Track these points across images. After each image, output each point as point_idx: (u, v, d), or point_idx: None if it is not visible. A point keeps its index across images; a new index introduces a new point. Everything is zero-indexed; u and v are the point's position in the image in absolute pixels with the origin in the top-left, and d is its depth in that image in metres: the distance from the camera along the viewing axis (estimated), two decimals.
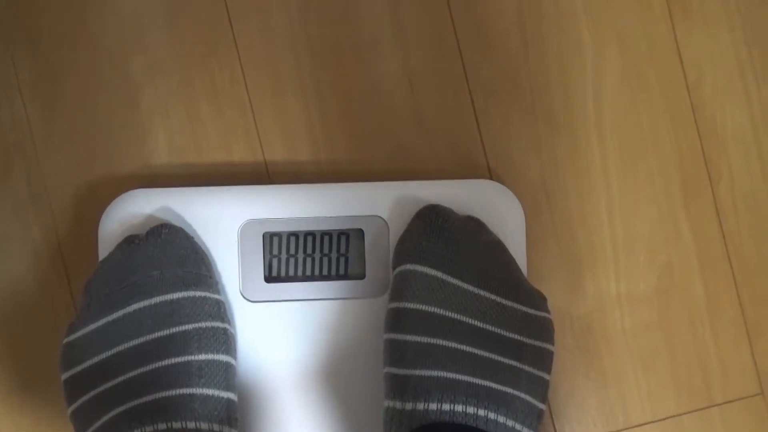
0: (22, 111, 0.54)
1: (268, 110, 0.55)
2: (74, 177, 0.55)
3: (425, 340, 0.47)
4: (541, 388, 0.49)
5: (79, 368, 0.46)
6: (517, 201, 0.53)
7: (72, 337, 0.47)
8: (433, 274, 0.49)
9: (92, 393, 0.45)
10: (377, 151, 0.55)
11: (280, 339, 0.52)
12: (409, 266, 0.49)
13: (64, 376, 0.47)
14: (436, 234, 0.49)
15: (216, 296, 0.49)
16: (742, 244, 0.56)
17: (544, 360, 0.50)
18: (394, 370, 0.47)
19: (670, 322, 0.56)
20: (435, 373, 0.46)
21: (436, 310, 0.48)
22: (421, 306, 0.48)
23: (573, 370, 0.56)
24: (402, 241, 0.51)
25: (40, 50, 0.54)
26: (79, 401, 0.45)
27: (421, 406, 0.45)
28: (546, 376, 0.49)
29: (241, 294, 0.52)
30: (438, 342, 0.47)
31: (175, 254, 0.48)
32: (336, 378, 0.52)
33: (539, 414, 0.48)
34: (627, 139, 0.56)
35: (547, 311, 0.51)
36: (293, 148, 0.55)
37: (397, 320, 0.48)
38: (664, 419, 0.56)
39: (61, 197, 0.54)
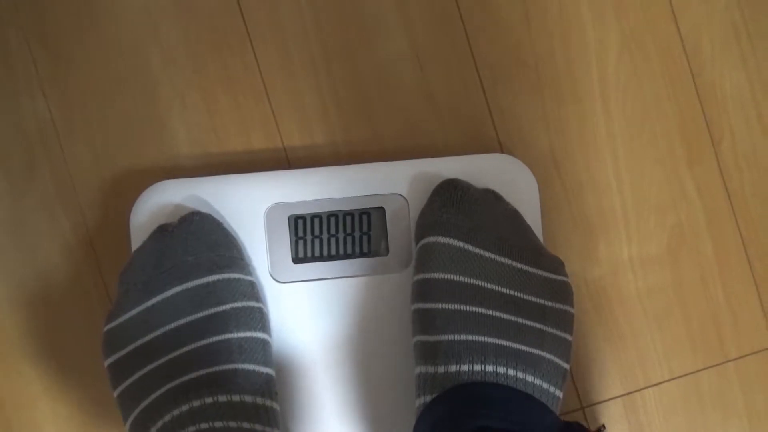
0: (45, 107, 0.56)
1: (282, 96, 0.57)
2: (98, 171, 0.56)
3: (452, 307, 0.49)
4: (565, 349, 0.51)
5: (122, 353, 0.48)
6: (530, 171, 0.55)
7: (113, 324, 0.49)
8: (455, 244, 0.50)
9: (137, 374, 0.47)
10: (389, 129, 0.57)
11: (309, 317, 0.54)
12: (431, 238, 0.51)
13: (108, 361, 0.48)
14: (456, 206, 0.51)
15: (249, 277, 0.50)
16: (746, 201, 0.58)
17: (566, 321, 0.51)
18: (424, 338, 0.49)
19: (681, 282, 0.58)
20: (464, 337, 0.48)
21: (461, 278, 0.50)
22: (446, 275, 0.50)
23: (591, 333, 0.58)
24: (423, 215, 0.52)
25: (57, 48, 0.56)
26: (125, 383, 0.47)
27: (453, 368, 0.47)
28: (569, 337, 0.51)
29: (271, 275, 0.54)
30: (464, 308, 0.49)
31: (207, 239, 0.50)
32: (364, 351, 0.54)
33: (564, 374, 0.50)
34: (630, 107, 0.58)
35: (566, 275, 0.53)
36: (309, 132, 0.57)
37: (423, 290, 0.50)
38: (681, 376, 0.58)
39: (88, 191, 0.56)
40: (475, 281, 0.50)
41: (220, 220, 0.52)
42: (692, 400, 0.58)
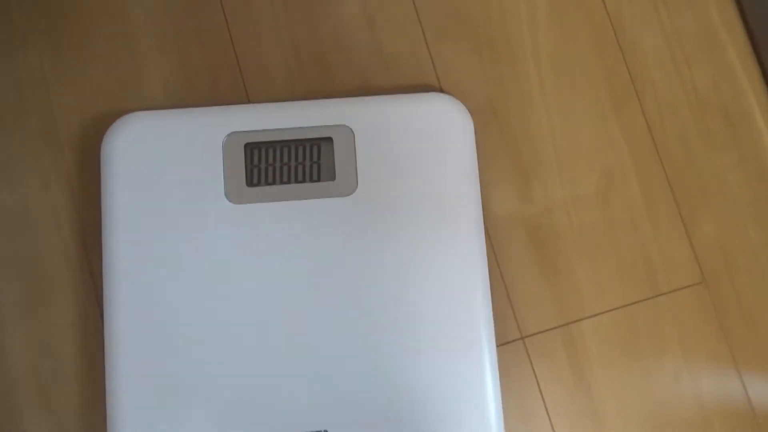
0: (37, 58, 0.63)
1: (248, 53, 0.64)
2: (80, 113, 0.62)
3: None
4: None
5: None
6: (466, 110, 0.61)
7: None
8: None
9: None
10: (343, 82, 0.64)
11: (261, 237, 0.58)
12: None
13: None
14: None
15: None
16: (669, 147, 0.63)
17: None
18: None
19: (612, 221, 0.62)
20: None
21: None
22: None
23: (528, 267, 0.62)
24: None
25: (53, 6, 0.64)
26: None
27: None
28: None
29: (226, 197, 0.59)
30: None
31: None
32: (313, 268, 0.58)
33: None
34: (560, 63, 0.64)
35: None
36: (271, 83, 0.63)
37: None
38: (615, 309, 0.61)
39: (69, 131, 0.62)
40: None
41: (182, 147, 0.58)
42: (627, 332, 0.61)
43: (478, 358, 0.57)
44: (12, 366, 0.59)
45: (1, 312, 0.60)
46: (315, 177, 0.60)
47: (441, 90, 0.64)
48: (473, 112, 0.62)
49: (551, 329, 0.61)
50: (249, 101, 0.63)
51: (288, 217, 0.59)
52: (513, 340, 0.61)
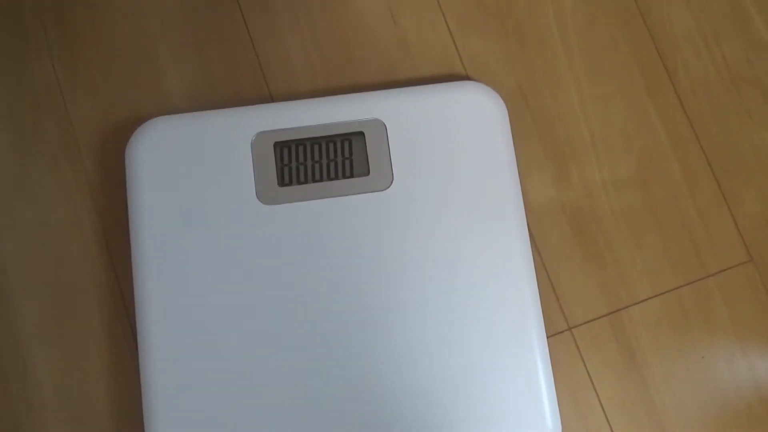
0: (51, 68, 0.61)
1: (269, 51, 0.62)
2: (98, 123, 0.60)
3: None
4: None
5: None
6: (500, 98, 0.59)
7: None
8: None
9: None
10: (367, 74, 0.62)
11: (294, 237, 0.56)
12: None
13: None
14: None
15: None
16: (706, 124, 0.62)
17: None
18: None
19: (654, 202, 0.60)
20: None
21: None
22: None
23: (572, 255, 0.60)
24: None
25: (66, 14, 0.62)
26: None
27: None
28: None
29: (257, 199, 0.57)
30: None
31: None
32: (351, 267, 0.56)
33: None
34: (588, 46, 0.63)
35: None
36: (294, 82, 0.61)
37: None
38: (664, 293, 0.59)
39: (88, 141, 0.60)
40: None
41: (210, 149, 0.56)
42: (677, 316, 0.59)
43: (529, 352, 0.55)
44: (37, 379, 0.56)
45: (26, 325, 0.57)
46: (348, 173, 0.58)
47: (468, 78, 0.62)
48: (504, 98, 0.60)
49: (599, 318, 0.59)
50: (272, 100, 0.61)
51: (322, 215, 0.57)
52: (560, 332, 0.59)
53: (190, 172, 0.57)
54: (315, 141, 0.58)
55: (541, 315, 0.55)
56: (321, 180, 0.57)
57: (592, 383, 0.58)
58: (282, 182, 0.57)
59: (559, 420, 0.54)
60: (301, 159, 0.58)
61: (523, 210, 0.57)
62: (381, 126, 0.58)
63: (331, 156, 0.58)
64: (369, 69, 0.62)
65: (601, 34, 0.63)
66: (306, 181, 0.57)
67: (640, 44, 0.63)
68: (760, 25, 0.63)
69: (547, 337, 0.58)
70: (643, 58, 0.62)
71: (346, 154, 0.58)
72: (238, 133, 0.58)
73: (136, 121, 0.60)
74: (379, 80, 0.62)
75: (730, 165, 0.61)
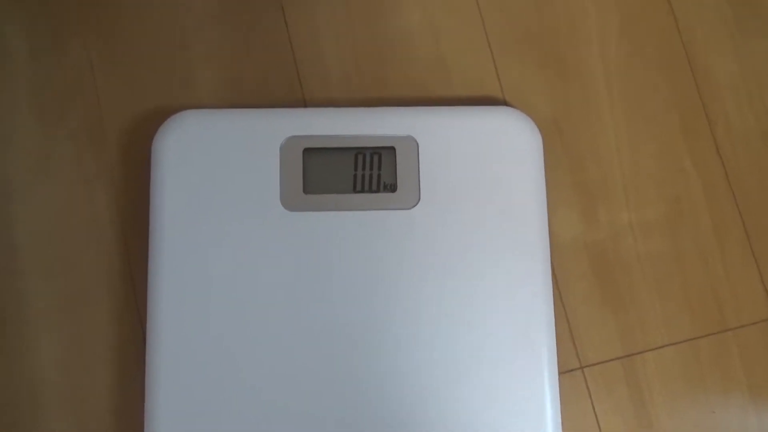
0: (86, 57, 0.60)
1: (307, 56, 0.61)
2: (128, 108, 0.59)
3: None
4: None
5: None
6: (535, 126, 0.58)
7: None
8: None
9: None
10: (402, 92, 0.61)
11: (317, 247, 0.55)
12: None
13: None
14: None
15: None
16: (742, 179, 0.61)
17: None
18: None
19: (680, 251, 0.59)
20: None
21: None
22: None
23: (591, 295, 0.59)
24: None
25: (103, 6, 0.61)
26: None
27: None
28: None
29: (281, 204, 0.56)
30: None
31: None
32: (369, 282, 0.55)
33: None
34: (629, 84, 0.62)
35: None
36: (329, 90, 0.61)
37: None
38: (681, 342, 0.58)
39: (115, 130, 0.59)
40: None
41: (237, 149, 0.55)
42: (692, 367, 0.58)
43: (539, 386, 0.54)
44: (43, 365, 0.55)
45: (36, 310, 0.56)
46: (375, 188, 0.57)
47: (506, 103, 0.61)
48: (538, 129, 0.60)
49: (612, 360, 0.58)
50: (305, 105, 0.60)
51: (345, 227, 0.56)
52: (572, 370, 0.58)
53: (216, 167, 0.56)
54: (345, 151, 0.57)
55: (555, 349, 0.54)
56: (347, 192, 0.57)
57: (599, 425, 0.57)
58: (307, 189, 0.56)
59: None
60: (329, 168, 0.57)
61: (548, 243, 0.56)
62: (413, 143, 0.57)
63: (360, 168, 0.57)
64: (405, 84, 0.61)
65: (644, 74, 0.62)
66: (331, 191, 0.57)
67: (682, 89, 0.62)
68: None
69: (559, 374, 0.57)
70: (685, 104, 0.62)
71: (375, 168, 0.57)
72: (268, 134, 0.57)
73: (164, 112, 0.59)
74: (414, 96, 0.61)
75: (763, 222, 0.60)
